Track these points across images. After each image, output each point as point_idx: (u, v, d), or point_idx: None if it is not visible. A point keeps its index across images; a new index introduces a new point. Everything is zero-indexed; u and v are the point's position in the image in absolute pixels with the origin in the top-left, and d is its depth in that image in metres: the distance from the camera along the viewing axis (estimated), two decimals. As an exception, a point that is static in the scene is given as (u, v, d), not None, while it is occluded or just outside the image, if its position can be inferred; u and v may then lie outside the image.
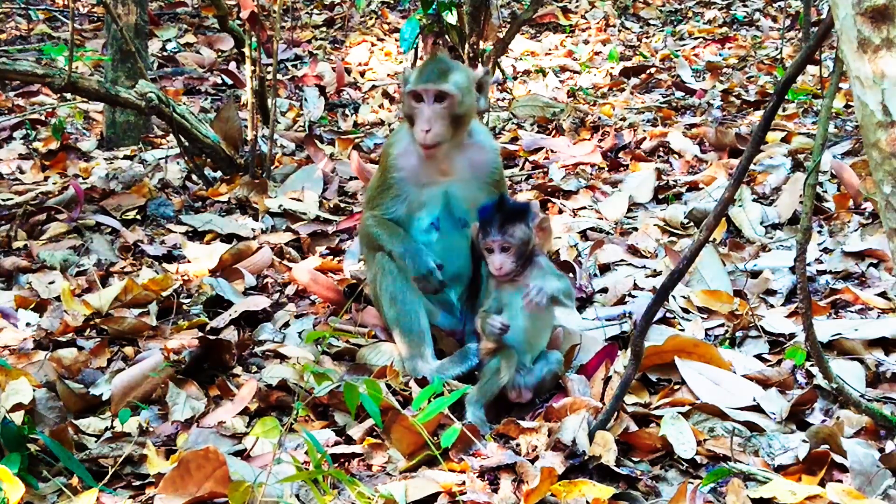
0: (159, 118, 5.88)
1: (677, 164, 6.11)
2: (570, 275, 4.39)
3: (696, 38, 10.04)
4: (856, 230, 4.69)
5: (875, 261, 4.34)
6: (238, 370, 3.70)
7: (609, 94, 8.25)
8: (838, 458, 2.85)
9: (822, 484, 2.76)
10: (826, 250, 4.58)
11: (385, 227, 3.74)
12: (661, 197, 5.59)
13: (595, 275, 4.49)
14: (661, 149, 6.35)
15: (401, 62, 9.44)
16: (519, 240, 3.34)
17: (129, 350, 3.91)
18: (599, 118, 7.10)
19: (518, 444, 3.06)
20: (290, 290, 4.48)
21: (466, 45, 6.38)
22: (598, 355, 3.50)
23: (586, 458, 2.91)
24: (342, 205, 5.71)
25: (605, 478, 2.90)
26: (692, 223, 5.08)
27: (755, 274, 4.29)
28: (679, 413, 3.13)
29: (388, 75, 9.19)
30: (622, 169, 6.13)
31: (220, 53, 9.62)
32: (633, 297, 4.19)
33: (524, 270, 3.39)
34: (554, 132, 6.95)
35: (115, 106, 6.32)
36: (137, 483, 3.01)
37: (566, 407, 3.17)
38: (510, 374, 3.34)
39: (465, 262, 3.76)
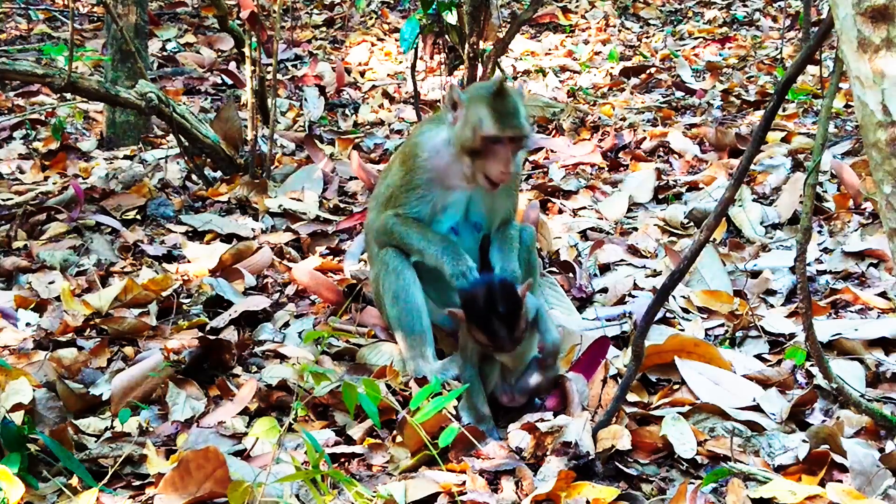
0: (159, 118, 5.88)
1: (677, 164, 6.11)
2: (571, 275, 4.39)
3: (696, 38, 10.04)
4: (856, 230, 4.69)
5: (875, 261, 4.34)
6: (238, 370, 3.70)
7: (609, 94, 8.25)
8: (838, 458, 2.85)
9: (822, 484, 2.76)
10: (826, 250, 4.59)
11: (414, 226, 3.69)
12: (661, 197, 5.59)
13: (595, 275, 4.49)
14: (661, 149, 6.35)
15: (401, 62, 9.44)
16: (525, 322, 3.20)
17: (129, 350, 3.91)
18: (599, 118, 7.10)
19: (520, 447, 3.06)
20: (290, 290, 4.48)
21: (466, 45, 6.38)
22: (589, 349, 3.49)
23: (590, 458, 2.91)
24: (342, 205, 5.71)
25: (606, 477, 2.90)
26: (692, 223, 5.08)
27: (755, 274, 4.29)
28: (679, 413, 3.13)
29: (388, 75, 9.19)
30: (622, 169, 6.13)
31: (220, 53, 9.62)
32: (633, 297, 4.19)
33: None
34: (554, 132, 6.95)
35: (115, 106, 6.33)
36: (137, 483, 3.01)
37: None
38: (491, 385, 3.33)
39: (477, 266, 3.75)
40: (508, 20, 9.67)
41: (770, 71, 8.38)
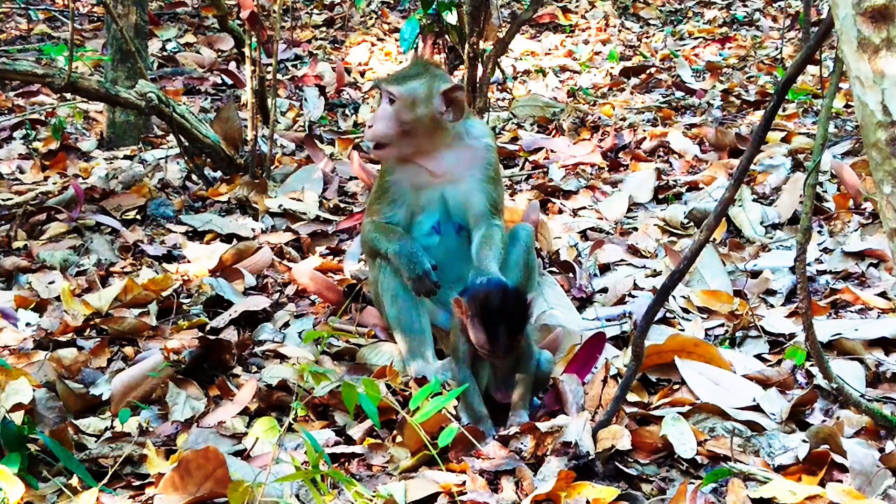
0: (159, 118, 5.88)
1: (677, 164, 6.11)
2: (571, 275, 4.39)
3: (696, 38, 10.03)
4: (856, 230, 4.69)
5: (875, 261, 4.34)
6: (238, 370, 3.70)
7: (609, 94, 8.25)
8: (838, 458, 2.85)
9: (822, 484, 2.76)
10: (826, 250, 4.59)
11: (382, 230, 3.74)
12: (661, 197, 5.59)
13: (595, 275, 4.49)
14: (661, 149, 6.35)
15: (401, 62, 9.43)
16: (524, 336, 3.21)
17: (129, 350, 3.91)
18: (599, 118, 7.10)
19: (521, 447, 3.05)
20: (290, 290, 4.48)
21: (466, 45, 6.37)
22: (584, 347, 3.49)
23: (590, 458, 2.91)
24: (342, 205, 5.71)
25: (606, 477, 2.90)
26: (692, 223, 5.08)
27: (755, 274, 4.29)
28: (679, 413, 3.13)
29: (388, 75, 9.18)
30: (622, 169, 6.13)
31: (220, 53, 9.61)
32: (633, 297, 4.19)
33: None
34: (554, 132, 6.95)
35: (115, 106, 6.32)
36: (137, 483, 3.01)
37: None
38: (484, 383, 3.32)
39: (465, 265, 3.73)
40: (508, 20, 9.66)
41: (770, 71, 8.38)
